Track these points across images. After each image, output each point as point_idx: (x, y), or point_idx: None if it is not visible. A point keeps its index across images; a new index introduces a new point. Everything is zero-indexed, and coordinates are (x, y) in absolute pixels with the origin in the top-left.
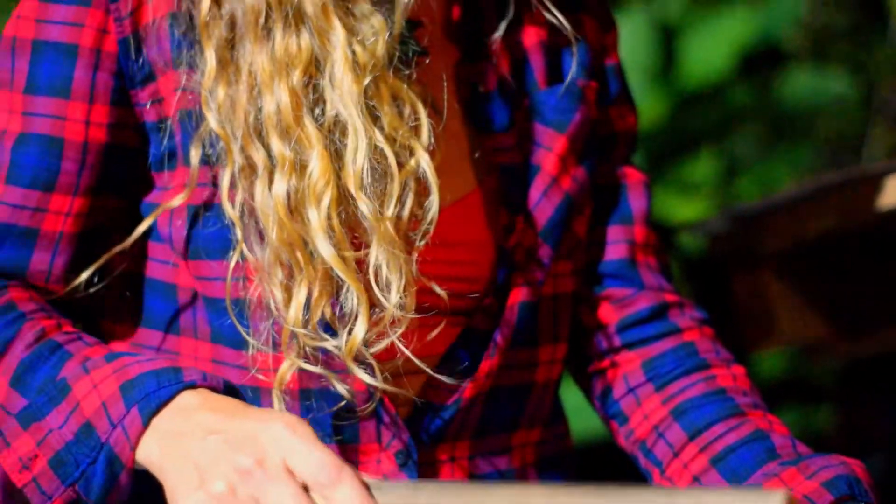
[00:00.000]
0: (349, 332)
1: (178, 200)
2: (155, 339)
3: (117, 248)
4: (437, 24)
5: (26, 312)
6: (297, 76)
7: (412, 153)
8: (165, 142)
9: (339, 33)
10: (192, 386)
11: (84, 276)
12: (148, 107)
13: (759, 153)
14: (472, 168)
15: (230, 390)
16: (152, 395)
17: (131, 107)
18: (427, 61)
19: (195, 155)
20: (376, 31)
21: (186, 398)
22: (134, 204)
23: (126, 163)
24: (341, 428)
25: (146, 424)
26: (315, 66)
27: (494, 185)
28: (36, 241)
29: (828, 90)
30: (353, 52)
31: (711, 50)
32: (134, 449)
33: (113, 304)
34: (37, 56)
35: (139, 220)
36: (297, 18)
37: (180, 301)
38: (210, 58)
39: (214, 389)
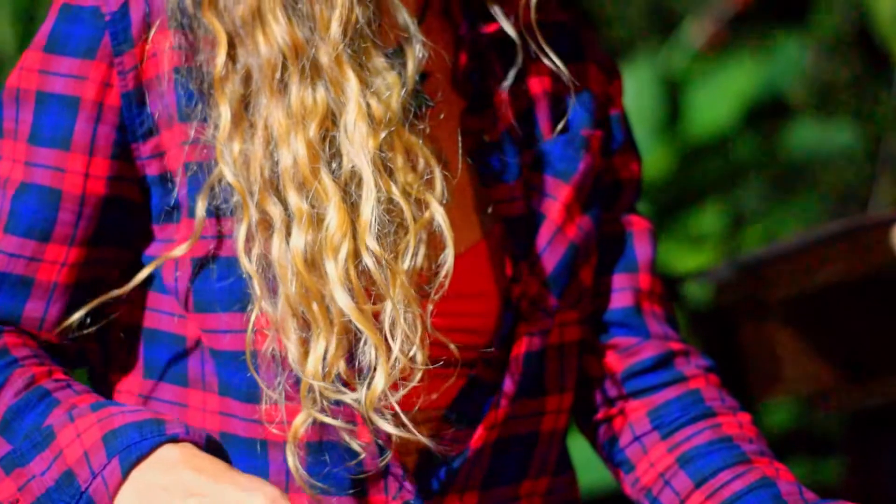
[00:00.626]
0: (368, 385)
1: (180, 251)
2: (162, 391)
3: (114, 293)
4: (444, 75)
5: (18, 358)
6: (313, 129)
7: (426, 206)
8: (168, 195)
9: (354, 86)
10: (175, 439)
11: (75, 317)
12: (150, 160)
13: (764, 205)
14: (478, 219)
15: (213, 444)
16: (133, 447)
17: (132, 160)
18: (435, 112)
19: (201, 207)
20: (390, 86)
21: (168, 451)
22: (134, 257)
23: (125, 215)
24: (350, 481)
25: (125, 476)
26: (331, 120)
27: (500, 236)
28: (30, 289)
29: (833, 142)
30: (368, 106)
31: (717, 102)
32: (112, 499)
33: (118, 355)
34: (40, 107)
35: (139, 271)
36: (313, 72)
37: (188, 353)
38: (225, 113)
39: (197, 444)
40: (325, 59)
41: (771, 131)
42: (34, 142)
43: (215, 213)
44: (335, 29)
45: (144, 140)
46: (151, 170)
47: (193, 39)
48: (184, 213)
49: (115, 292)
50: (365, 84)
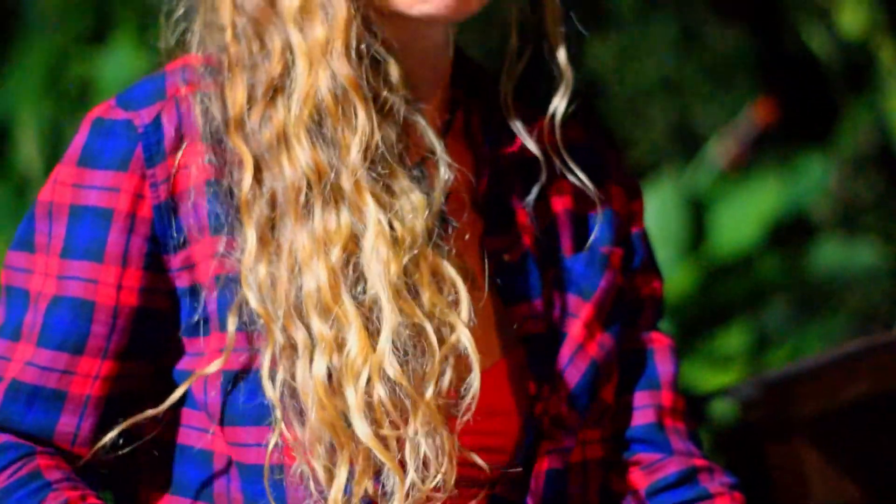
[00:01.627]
0: None
1: (213, 367)
2: None
3: (149, 413)
4: (465, 194)
5: (52, 482)
6: (336, 254)
7: (452, 329)
8: (198, 308)
9: (372, 211)
10: None
11: (108, 437)
12: (180, 272)
13: (789, 325)
14: (499, 338)
15: None
16: None
17: (164, 272)
18: (455, 233)
19: (232, 323)
20: (415, 208)
21: None
22: (165, 369)
23: (157, 327)
24: None
25: None
26: (354, 243)
27: (521, 354)
28: (63, 403)
29: (857, 261)
30: (392, 229)
31: (741, 221)
32: None
33: (145, 470)
34: (74, 220)
35: (170, 385)
36: (336, 196)
37: (215, 468)
38: (251, 236)
39: None
40: (346, 183)
41: (795, 250)
42: (67, 255)
43: (246, 328)
44: (355, 153)
45: (176, 252)
46: (182, 281)
47: (223, 156)
48: (213, 326)
49: (150, 412)
50: (386, 208)
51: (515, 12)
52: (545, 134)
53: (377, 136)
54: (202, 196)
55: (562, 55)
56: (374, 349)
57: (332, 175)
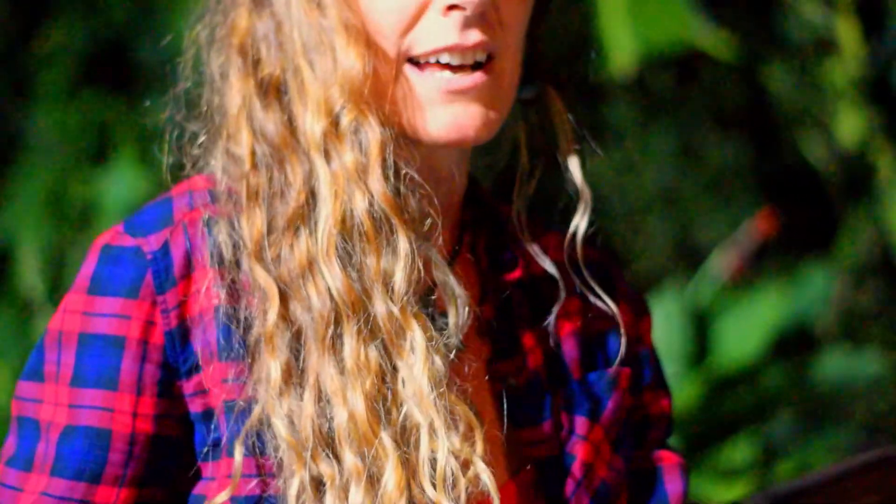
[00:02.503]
0: None
1: (223, 496)
2: None
3: None
4: (470, 321)
5: None
6: (369, 385)
7: (470, 464)
8: (211, 433)
9: (420, 339)
10: None
11: None
12: (193, 397)
13: (796, 437)
14: (507, 460)
15: None
16: None
17: (177, 398)
18: (463, 357)
19: (239, 452)
20: (435, 340)
21: None
22: (181, 494)
23: (172, 453)
24: None
25: None
26: (387, 373)
27: (530, 476)
28: None
29: (862, 371)
30: (433, 361)
31: (744, 333)
32: None
33: None
34: (83, 349)
35: None
36: (372, 325)
37: None
38: (274, 369)
39: None
40: (382, 309)
41: (799, 362)
42: (77, 384)
43: (253, 453)
44: (399, 279)
45: (188, 377)
46: (195, 406)
47: (233, 281)
48: (223, 451)
49: None
50: (430, 338)
51: (525, 132)
52: (558, 252)
53: (419, 264)
54: (211, 321)
55: (578, 175)
56: (410, 482)
57: (368, 303)
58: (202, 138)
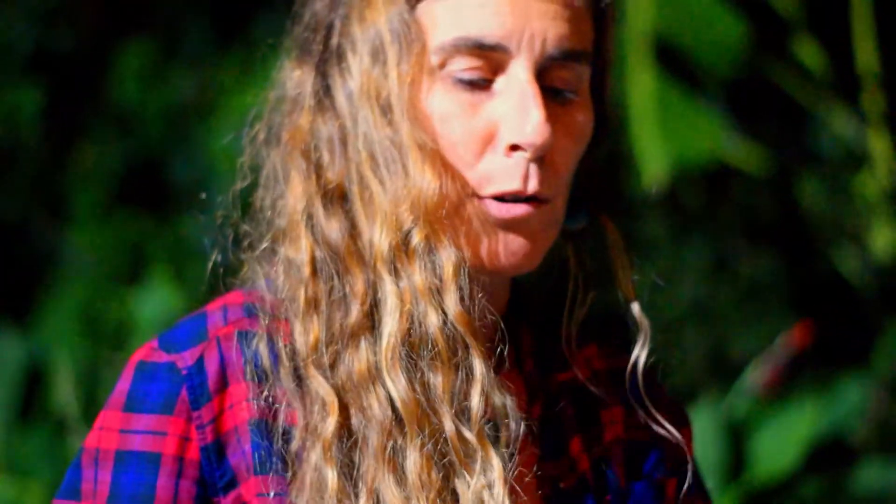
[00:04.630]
0: None
1: None
2: None
3: None
4: (518, 422)
5: None
6: (430, 501)
7: None
8: None
9: (498, 468)
10: None
11: None
12: None
13: None
14: None
15: None
16: None
17: None
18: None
19: None
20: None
21: None
22: None
23: None
24: None
25: None
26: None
27: None
28: None
29: None
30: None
31: (780, 447)
32: None
33: None
34: (120, 466)
35: None
36: (439, 446)
37: None
38: (332, 478)
39: None
40: (451, 431)
41: (835, 475)
42: (115, 500)
43: None
44: (476, 403)
45: (225, 493)
46: None
47: (271, 394)
48: None
49: None
50: (505, 464)
51: (574, 256)
52: (601, 361)
53: (497, 386)
54: (246, 435)
55: (636, 307)
56: None
57: (435, 420)
58: (255, 240)
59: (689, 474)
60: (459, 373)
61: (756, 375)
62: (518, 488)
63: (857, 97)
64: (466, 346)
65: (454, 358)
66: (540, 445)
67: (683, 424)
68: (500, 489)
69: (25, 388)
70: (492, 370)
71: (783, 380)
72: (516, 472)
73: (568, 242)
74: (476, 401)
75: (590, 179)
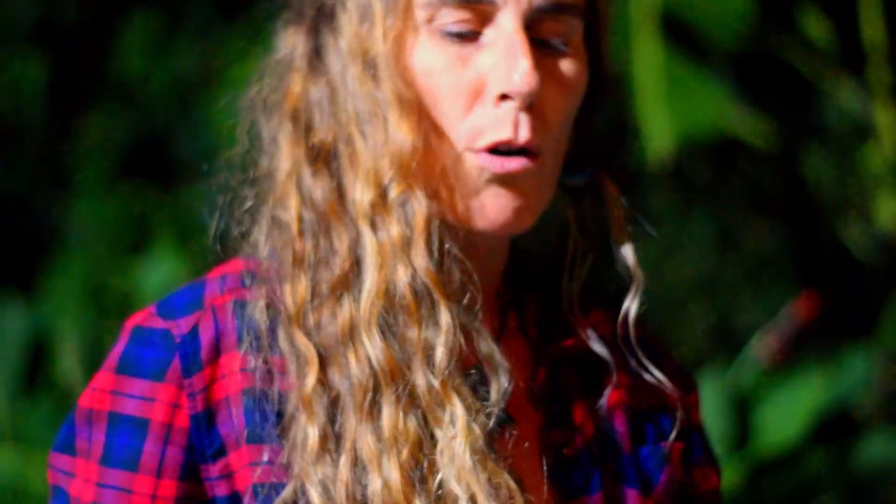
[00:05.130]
0: None
1: None
2: None
3: None
4: (521, 391)
5: None
6: (405, 454)
7: None
8: None
9: (460, 413)
10: None
11: None
12: (219, 481)
13: None
14: None
15: None
16: None
17: (201, 481)
18: (514, 430)
19: None
20: (477, 412)
21: None
22: None
23: None
24: None
25: None
26: (424, 443)
27: None
28: None
29: None
30: (473, 434)
31: (785, 418)
32: None
33: None
34: (112, 428)
35: None
36: (410, 397)
37: None
38: (312, 434)
39: None
40: (422, 383)
41: (841, 447)
42: (105, 463)
43: None
44: (440, 354)
45: (214, 461)
46: (221, 490)
47: (266, 362)
48: None
49: None
50: (469, 410)
51: (574, 219)
52: (605, 327)
53: (459, 338)
54: (239, 405)
55: (630, 257)
56: None
57: (407, 373)
58: (250, 202)
59: (698, 441)
60: (429, 327)
61: (761, 347)
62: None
63: (862, 70)
64: (433, 300)
65: (421, 311)
66: (543, 412)
67: (690, 389)
68: (461, 439)
69: (30, 359)
70: (458, 321)
71: (788, 352)
72: (515, 439)
73: (568, 202)
74: (441, 352)
75: (589, 137)
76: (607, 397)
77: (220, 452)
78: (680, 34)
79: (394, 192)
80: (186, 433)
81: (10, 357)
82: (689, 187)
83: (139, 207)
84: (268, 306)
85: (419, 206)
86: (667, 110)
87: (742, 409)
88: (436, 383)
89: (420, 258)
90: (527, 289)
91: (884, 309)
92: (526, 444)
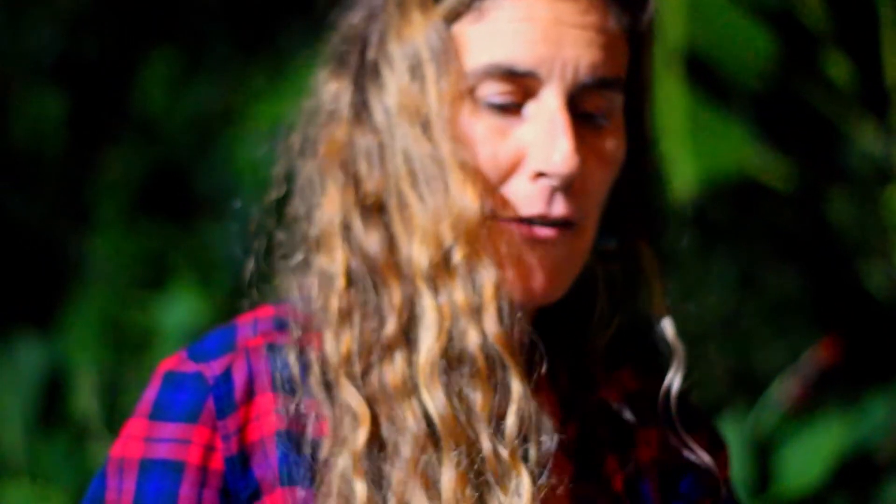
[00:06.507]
0: None
1: None
2: None
3: None
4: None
5: None
6: None
7: None
8: None
9: (526, 484)
10: None
11: None
12: None
13: None
14: None
15: None
16: None
17: None
18: (545, 481)
19: None
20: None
21: None
22: None
23: None
24: None
25: None
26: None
27: None
28: None
29: None
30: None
31: (806, 463)
32: None
33: None
34: (144, 475)
35: None
36: (472, 462)
37: None
38: (360, 489)
39: None
40: (488, 449)
41: (862, 491)
42: None
43: None
44: (512, 423)
45: (249, 503)
46: None
47: (296, 407)
48: None
49: None
50: (534, 480)
51: (603, 276)
52: (634, 382)
53: (532, 406)
54: (273, 446)
55: (669, 329)
56: None
57: (472, 437)
58: (288, 250)
59: (728, 499)
60: (497, 392)
61: (783, 391)
62: None
63: (885, 112)
64: (504, 366)
65: (493, 377)
66: (574, 465)
67: (719, 447)
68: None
69: (47, 394)
70: (529, 390)
71: (810, 395)
72: (546, 491)
73: (598, 263)
74: (512, 420)
75: (624, 203)
76: (637, 451)
77: (256, 495)
78: (703, 75)
79: (457, 256)
80: (222, 476)
81: (26, 391)
82: (710, 229)
83: (158, 243)
84: (301, 352)
85: (487, 271)
86: (690, 151)
87: (763, 453)
88: (504, 452)
89: (491, 323)
90: (556, 340)
91: None
92: (559, 491)
